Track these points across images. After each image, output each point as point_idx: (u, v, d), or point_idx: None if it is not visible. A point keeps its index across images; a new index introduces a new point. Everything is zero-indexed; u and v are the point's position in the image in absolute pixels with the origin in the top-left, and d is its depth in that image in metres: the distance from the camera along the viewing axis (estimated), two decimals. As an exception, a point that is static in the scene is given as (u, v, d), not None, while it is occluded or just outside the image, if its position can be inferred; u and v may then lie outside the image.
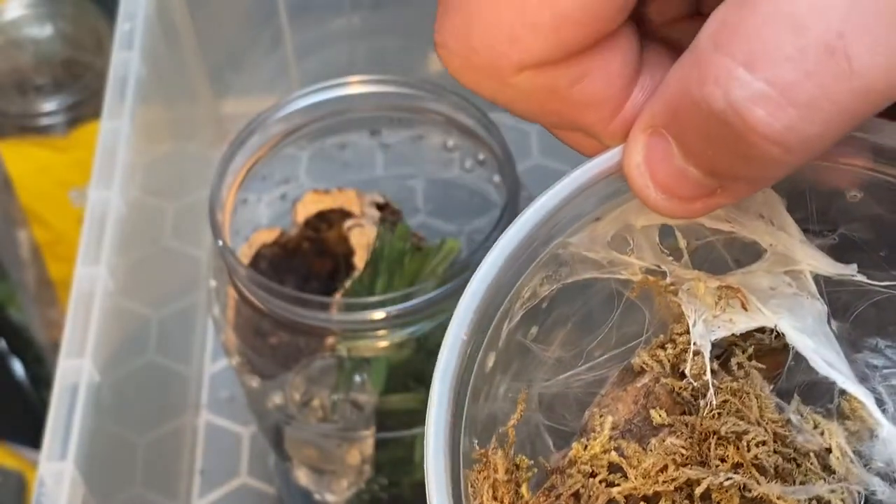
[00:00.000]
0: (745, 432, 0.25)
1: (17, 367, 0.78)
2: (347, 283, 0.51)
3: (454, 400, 0.23)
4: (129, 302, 0.53)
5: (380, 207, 0.56)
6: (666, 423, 0.26)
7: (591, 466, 0.26)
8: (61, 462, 0.43)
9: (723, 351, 0.27)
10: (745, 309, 0.26)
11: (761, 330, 0.26)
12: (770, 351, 0.27)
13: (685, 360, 0.26)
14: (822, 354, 0.25)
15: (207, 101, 0.72)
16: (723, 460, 0.25)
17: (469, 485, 0.25)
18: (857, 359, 0.26)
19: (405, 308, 0.46)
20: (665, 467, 0.25)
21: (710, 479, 0.24)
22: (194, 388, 0.64)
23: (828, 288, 0.26)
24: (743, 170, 0.21)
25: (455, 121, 0.52)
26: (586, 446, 0.26)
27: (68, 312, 0.47)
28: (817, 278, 0.26)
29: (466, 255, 0.51)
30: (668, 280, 0.26)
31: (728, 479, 0.24)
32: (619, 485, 0.25)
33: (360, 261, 0.53)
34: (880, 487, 0.25)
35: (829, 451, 0.25)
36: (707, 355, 0.26)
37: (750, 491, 0.24)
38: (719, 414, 0.25)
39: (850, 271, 0.26)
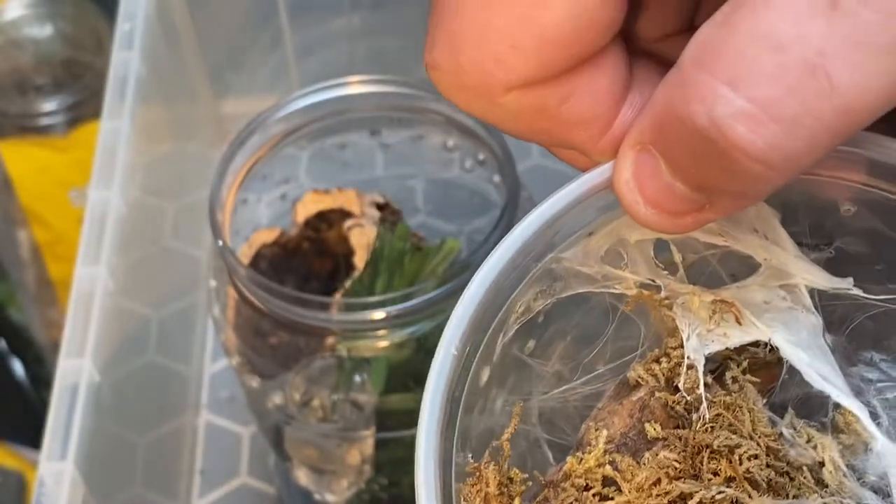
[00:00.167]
0: (738, 446, 0.25)
1: (17, 367, 0.78)
2: (347, 283, 0.51)
3: (446, 415, 0.23)
4: (129, 302, 0.53)
5: (380, 207, 0.56)
6: (660, 436, 0.26)
7: (586, 480, 0.26)
8: (61, 462, 0.43)
9: (718, 365, 0.27)
10: (740, 323, 0.26)
11: (756, 344, 0.26)
12: (765, 365, 0.27)
13: (679, 374, 0.26)
14: (817, 368, 0.25)
15: (207, 101, 0.72)
16: (715, 474, 0.25)
17: (462, 498, 0.25)
18: (853, 372, 0.26)
19: (405, 308, 0.46)
20: (658, 481, 0.25)
21: (703, 493, 0.24)
22: (194, 388, 0.64)
23: (824, 301, 0.26)
24: (728, 185, 0.21)
25: (455, 121, 0.52)
26: (581, 460, 0.26)
27: (68, 312, 0.47)
28: (812, 292, 0.26)
29: (466, 256, 0.51)
30: (663, 294, 0.27)
31: (720, 492, 0.24)
32: (612, 498, 0.25)
33: (360, 261, 0.53)
34: (873, 501, 0.25)
35: (822, 464, 0.25)
36: (701, 369, 0.26)
37: None
38: (712, 428, 0.26)
39: (845, 285, 0.26)
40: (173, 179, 0.65)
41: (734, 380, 0.27)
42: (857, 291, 0.26)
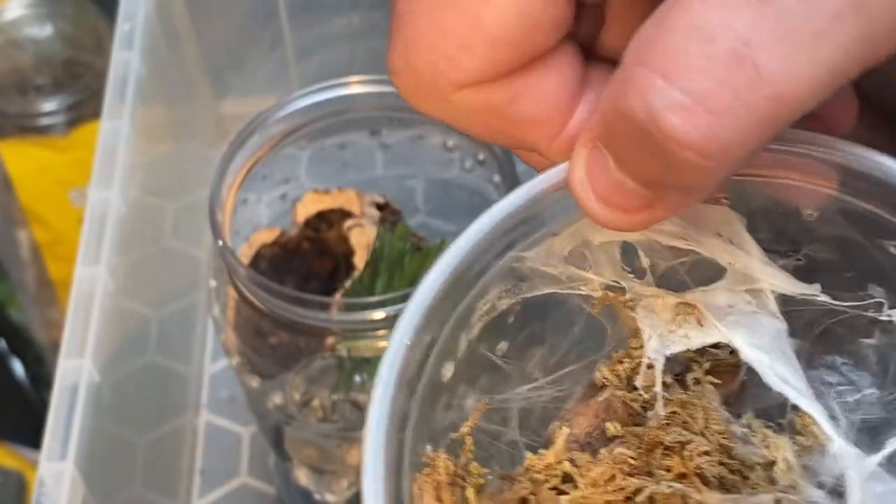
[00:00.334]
0: (689, 442, 0.25)
1: (17, 367, 0.78)
2: (347, 283, 0.51)
3: (398, 406, 0.23)
4: (129, 302, 0.53)
5: (380, 207, 0.56)
6: (619, 434, 0.26)
7: (545, 475, 0.26)
8: (61, 462, 0.43)
9: (683, 367, 0.27)
10: (701, 325, 0.26)
11: (718, 346, 0.27)
12: (728, 367, 0.27)
13: (639, 374, 0.26)
14: (777, 370, 0.25)
15: (207, 101, 0.72)
16: (668, 470, 0.25)
17: (417, 487, 0.25)
18: (814, 376, 0.26)
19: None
20: (613, 476, 0.25)
21: (653, 488, 0.25)
22: (194, 388, 0.64)
23: (792, 307, 0.26)
24: (670, 179, 0.21)
25: (455, 121, 0.52)
26: (542, 456, 0.26)
27: (68, 312, 0.47)
28: (780, 297, 0.26)
29: (466, 255, 0.51)
30: (628, 296, 0.27)
31: (669, 487, 0.25)
32: (568, 493, 0.25)
33: (360, 261, 0.53)
34: (823, 501, 0.25)
35: (773, 464, 0.25)
36: (660, 368, 0.26)
37: (690, 498, 0.25)
38: (667, 425, 0.26)
39: (812, 291, 0.26)
40: (173, 179, 0.65)
41: (697, 381, 0.27)
42: (824, 298, 0.26)
